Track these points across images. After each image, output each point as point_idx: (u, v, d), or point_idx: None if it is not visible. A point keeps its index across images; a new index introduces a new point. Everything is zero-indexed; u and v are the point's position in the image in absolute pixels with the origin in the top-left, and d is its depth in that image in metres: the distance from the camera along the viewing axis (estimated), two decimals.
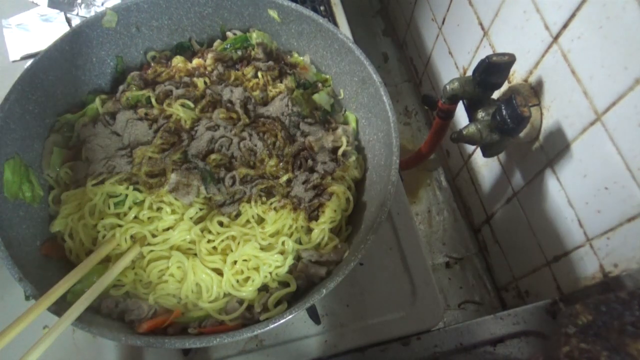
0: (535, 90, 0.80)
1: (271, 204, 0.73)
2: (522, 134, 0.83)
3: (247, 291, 0.69)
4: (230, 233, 0.71)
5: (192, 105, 0.80)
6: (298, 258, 0.73)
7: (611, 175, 0.68)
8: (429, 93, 1.29)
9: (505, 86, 0.86)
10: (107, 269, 0.66)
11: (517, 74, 0.85)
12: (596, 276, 0.76)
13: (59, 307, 0.59)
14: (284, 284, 0.72)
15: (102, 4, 1.10)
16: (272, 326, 0.60)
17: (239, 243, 0.70)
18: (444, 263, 1.18)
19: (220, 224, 0.72)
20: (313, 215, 0.75)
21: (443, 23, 1.13)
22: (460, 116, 1.05)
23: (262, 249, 0.71)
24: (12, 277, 0.60)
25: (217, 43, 0.89)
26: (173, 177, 0.72)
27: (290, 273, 0.72)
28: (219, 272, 0.70)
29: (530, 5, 0.77)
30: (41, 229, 0.71)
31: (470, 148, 1.14)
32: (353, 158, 0.81)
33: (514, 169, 0.94)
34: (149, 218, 0.71)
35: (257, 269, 0.70)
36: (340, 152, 0.79)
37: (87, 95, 0.83)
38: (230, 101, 0.81)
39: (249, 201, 0.73)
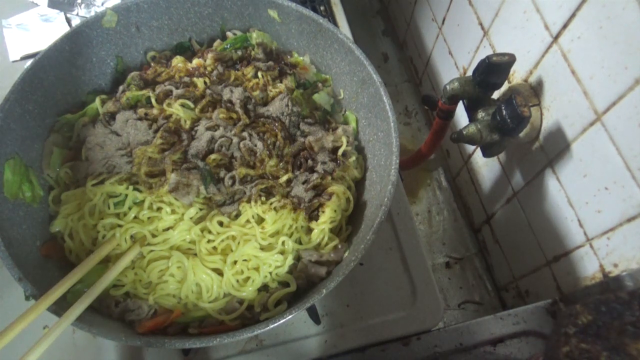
0: (535, 90, 0.80)
1: (271, 204, 0.73)
2: (522, 134, 0.83)
3: (247, 291, 0.69)
4: (230, 233, 0.71)
5: (192, 105, 0.80)
6: (298, 258, 0.73)
7: (611, 175, 0.68)
8: (429, 93, 1.29)
9: (505, 86, 0.86)
10: (107, 269, 0.66)
11: (517, 74, 0.85)
12: (596, 276, 0.76)
13: (59, 307, 0.59)
14: (284, 284, 0.72)
15: (102, 4, 1.10)
16: (272, 326, 0.60)
17: (239, 243, 0.70)
18: (444, 263, 1.18)
19: (220, 224, 0.72)
20: (313, 215, 0.75)
21: (443, 23, 1.13)
22: (460, 116, 1.05)
23: (262, 249, 0.71)
24: (12, 277, 0.60)
25: (217, 43, 0.89)
26: (173, 177, 0.72)
27: (290, 273, 0.72)
28: (219, 272, 0.70)
29: (530, 5, 0.77)
30: (41, 229, 0.71)
31: (470, 148, 1.14)
32: (353, 158, 0.81)
33: (514, 169, 0.94)
34: (148, 218, 0.71)
35: (257, 269, 0.70)
36: (340, 152, 0.79)
37: (87, 95, 0.83)
38: (230, 101, 0.81)
39: (249, 201, 0.73)
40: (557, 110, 0.76)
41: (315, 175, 0.76)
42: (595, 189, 0.71)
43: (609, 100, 0.65)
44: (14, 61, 1.04)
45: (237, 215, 0.73)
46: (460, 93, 0.81)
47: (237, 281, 0.70)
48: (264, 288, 0.71)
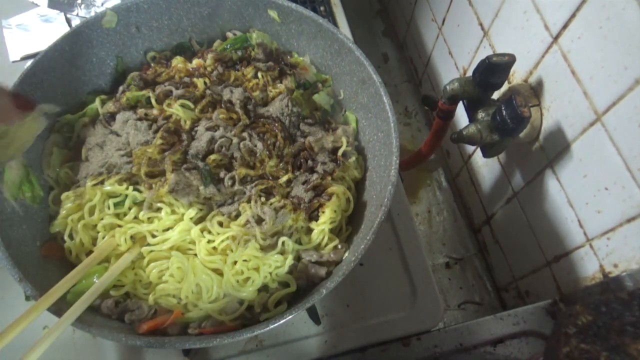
0: (535, 91, 0.80)
1: (271, 204, 0.73)
2: (522, 134, 0.83)
3: (247, 291, 0.69)
4: (230, 233, 0.71)
5: (192, 105, 0.80)
6: (298, 258, 0.73)
7: (611, 175, 0.68)
8: (429, 93, 1.29)
9: (505, 86, 0.86)
10: (107, 270, 0.66)
11: (517, 74, 0.85)
12: (596, 276, 0.76)
13: (59, 307, 0.59)
14: (284, 284, 0.72)
15: (102, 4, 1.10)
16: (272, 326, 0.60)
17: (238, 243, 0.70)
18: (444, 263, 1.18)
19: (220, 224, 0.72)
20: (313, 215, 0.75)
21: (443, 23, 1.13)
22: (460, 116, 1.05)
23: (262, 249, 0.71)
24: (12, 278, 0.60)
25: (217, 43, 0.89)
26: (173, 178, 0.72)
27: (290, 273, 0.72)
28: (219, 273, 0.70)
29: (530, 6, 0.77)
30: (41, 229, 0.71)
31: (470, 148, 1.14)
32: (353, 158, 0.81)
33: (514, 169, 0.94)
34: (148, 218, 0.71)
35: (257, 269, 0.70)
36: (340, 152, 0.79)
37: (87, 95, 0.83)
38: (230, 101, 0.81)
39: (248, 201, 0.73)
40: (557, 110, 0.76)
41: (315, 176, 0.76)
42: (595, 189, 0.71)
43: (609, 100, 0.65)
44: (14, 61, 1.04)
45: (237, 216, 0.73)
46: (460, 93, 0.81)
47: (237, 281, 0.70)
48: (264, 288, 0.71)
